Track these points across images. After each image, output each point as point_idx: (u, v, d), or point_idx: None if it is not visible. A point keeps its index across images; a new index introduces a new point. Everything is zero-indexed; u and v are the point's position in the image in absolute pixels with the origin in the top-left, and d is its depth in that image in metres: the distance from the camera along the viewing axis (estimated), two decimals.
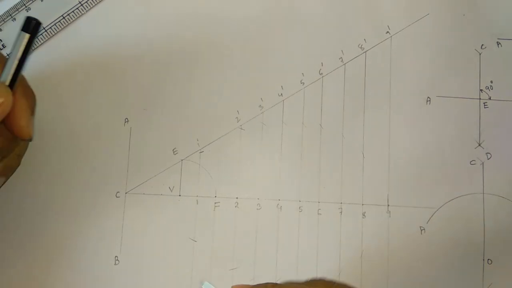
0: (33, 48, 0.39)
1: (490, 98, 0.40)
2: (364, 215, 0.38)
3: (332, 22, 0.40)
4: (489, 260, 0.38)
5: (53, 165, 0.38)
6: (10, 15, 0.39)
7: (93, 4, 0.39)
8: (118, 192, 0.38)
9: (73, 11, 0.39)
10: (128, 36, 0.40)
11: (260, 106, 0.39)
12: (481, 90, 0.40)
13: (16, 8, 0.39)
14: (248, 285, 0.29)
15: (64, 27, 0.39)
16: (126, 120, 0.39)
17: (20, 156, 0.33)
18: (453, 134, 0.39)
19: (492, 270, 0.38)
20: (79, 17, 0.40)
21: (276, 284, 0.28)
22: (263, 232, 0.38)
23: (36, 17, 0.39)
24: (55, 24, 0.39)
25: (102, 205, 0.38)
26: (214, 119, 0.39)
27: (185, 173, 0.38)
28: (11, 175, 0.33)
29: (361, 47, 0.40)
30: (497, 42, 0.40)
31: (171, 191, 0.38)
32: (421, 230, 0.38)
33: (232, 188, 0.38)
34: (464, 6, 0.40)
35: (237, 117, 0.39)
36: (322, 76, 0.40)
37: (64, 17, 0.39)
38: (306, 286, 0.28)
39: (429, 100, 0.40)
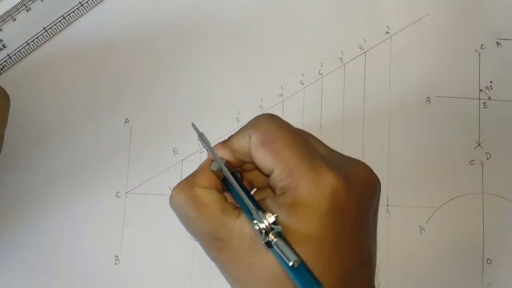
0: (33, 48, 0.39)
1: (489, 98, 0.40)
2: None
3: (332, 22, 0.40)
4: (488, 260, 0.38)
5: (53, 165, 0.38)
6: (10, 15, 0.39)
7: (93, 4, 0.39)
8: (118, 192, 0.38)
9: (73, 11, 0.39)
10: (128, 36, 0.40)
11: (260, 106, 0.39)
12: (480, 90, 0.40)
13: (16, 8, 0.39)
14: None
15: (64, 27, 0.39)
16: (126, 120, 0.39)
17: None
18: (453, 134, 0.39)
19: (492, 270, 0.38)
20: (79, 17, 0.40)
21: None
22: None
23: (36, 17, 0.39)
24: (55, 24, 0.39)
25: (102, 205, 0.38)
26: (214, 119, 0.39)
27: (185, 173, 0.38)
28: None
29: (361, 47, 0.40)
30: (496, 42, 0.40)
31: (171, 191, 0.38)
32: (421, 230, 0.38)
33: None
34: (464, 6, 0.40)
35: (237, 117, 0.39)
36: (322, 76, 0.40)
37: (64, 17, 0.39)
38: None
39: (429, 100, 0.40)
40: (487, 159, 0.39)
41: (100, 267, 0.37)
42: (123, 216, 0.38)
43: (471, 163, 0.39)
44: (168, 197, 0.39)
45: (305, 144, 0.28)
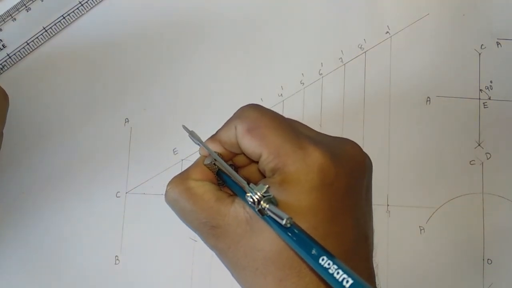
0: (33, 48, 0.39)
1: (489, 98, 0.40)
2: None
3: (332, 22, 0.40)
4: (489, 260, 0.38)
5: (53, 165, 0.38)
6: (10, 15, 0.39)
7: (93, 4, 0.39)
8: (118, 192, 0.38)
9: (73, 11, 0.39)
10: (128, 36, 0.40)
11: None
12: (480, 90, 0.40)
13: (16, 8, 0.39)
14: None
15: (64, 27, 0.39)
16: (126, 120, 0.39)
17: None
18: (453, 134, 0.39)
19: (492, 270, 0.38)
20: (79, 17, 0.40)
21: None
22: None
23: (36, 17, 0.39)
24: (55, 24, 0.39)
25: (102, 205, 0.38)
26: (214, 119, 0.39)
27: None
28: None
29: (361, 47, 0.40)
30: (496, 42, 0.40)
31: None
32: (421, 230, 0.38)
33: None
34: (464, 6, 0.40)
35: None
36: (322, 76, 0.40)
37: (64, 17, 0.39)
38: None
39: (429, 100, 0.40)
40: (487, 159, 0.39)
41: (100, 267, 0.37)
42: (123, 216, 0.38)
43: (471, 163, 0.39)
44: None
45: (290, 127, 0.29)
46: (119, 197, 0.38)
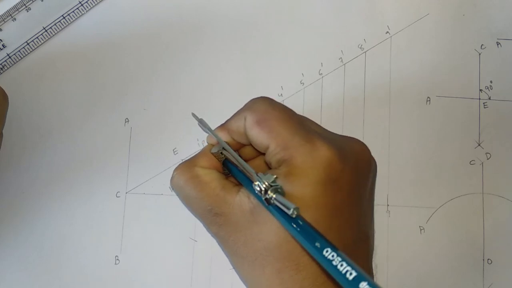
0: (33, 48, 0.39)
1: (489, 98, 0.40)
2: None
3: (332, 22, 0.40)
4: (489, 260, 0.38)
5: (52, 165, 0.38)
6: (10, 15, 0.39)
7: (93, 4, 0.39)
8: (118, 192, 0.38)
9: (73, 11, 0.39)
10: (128, 36, 0.40)
11: None
12: (480, 90, 0.40)
13: (16, 8, 0.39)
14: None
15: (64, 27, 0.39)
16: (126, 120, 0.39)
17: None
18: (453, 134, 0.39)
19: (492, 270, 0.38)
20: (79, 17, 0.40)
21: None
22: None
23: (36, 16, 0.39)
24: (55, 24, 0.39)
25: (102, 205, 0.38)
26: (214, 119, 0.39)
27: None
28: None
29: (361, 47, 0.40)
30: (497, 42, 0.40)
31: (171, 191, 0.38)
32: (421, 230, 0.38)
33: None
34: (464, 6, 0.40)
35: None
36: (322, 76, 0.40)
37: (64, 17, 0.39)
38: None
39: (429, 100, 0.40)
40: (487, 159, 0.39)
41: (100, 267, 0.37)
42: (123, 216, 0.38)
43: (471, 163, 0.39)
44: (168, 197, 0.39)
45: (299, 122, 0.29)
46: (119, 197, 0.38)
